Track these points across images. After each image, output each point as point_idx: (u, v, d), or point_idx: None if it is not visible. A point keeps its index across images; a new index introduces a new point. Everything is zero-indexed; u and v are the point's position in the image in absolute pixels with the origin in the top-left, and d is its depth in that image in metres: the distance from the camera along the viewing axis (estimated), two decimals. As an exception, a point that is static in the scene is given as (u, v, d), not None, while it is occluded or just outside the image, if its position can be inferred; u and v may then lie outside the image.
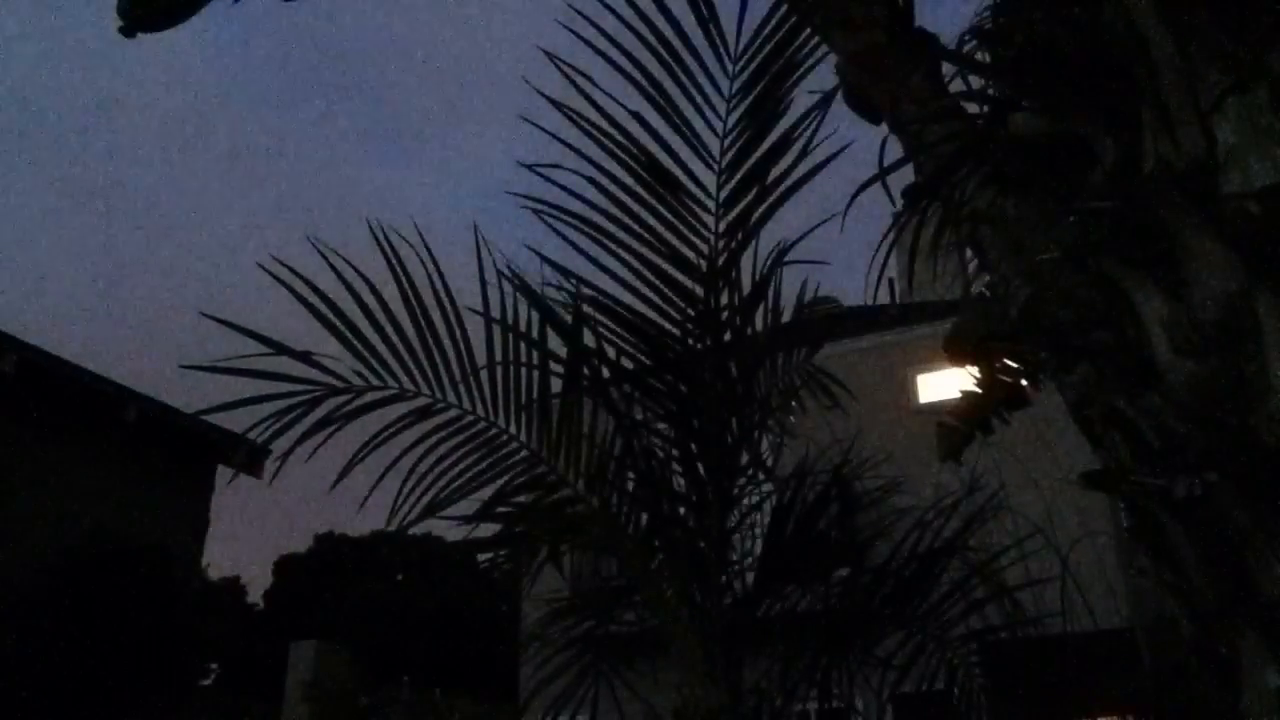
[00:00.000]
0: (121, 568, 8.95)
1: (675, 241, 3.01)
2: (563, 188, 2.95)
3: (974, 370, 2.62)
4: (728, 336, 3.12)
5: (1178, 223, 1.44)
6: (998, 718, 3.47)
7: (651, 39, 2.79)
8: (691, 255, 3.02)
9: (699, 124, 2.91)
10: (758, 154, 2.92)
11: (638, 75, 2.85)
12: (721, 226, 3.00)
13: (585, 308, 3.10)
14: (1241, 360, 1.36)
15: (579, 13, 2.72)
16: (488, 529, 3.37)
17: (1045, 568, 3.06)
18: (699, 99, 2.88)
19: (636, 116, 2.88)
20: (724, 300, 3.07)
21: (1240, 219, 1.39)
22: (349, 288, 2.99)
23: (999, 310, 2.14)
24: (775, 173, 2.93)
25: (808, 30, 2.75)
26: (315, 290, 2.98)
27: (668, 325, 3.08)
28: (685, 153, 2.94)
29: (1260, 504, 1.30)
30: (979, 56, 2.18)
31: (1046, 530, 3.01)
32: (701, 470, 3.08)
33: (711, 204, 2.98)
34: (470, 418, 3.21)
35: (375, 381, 3.07)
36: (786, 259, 3.10)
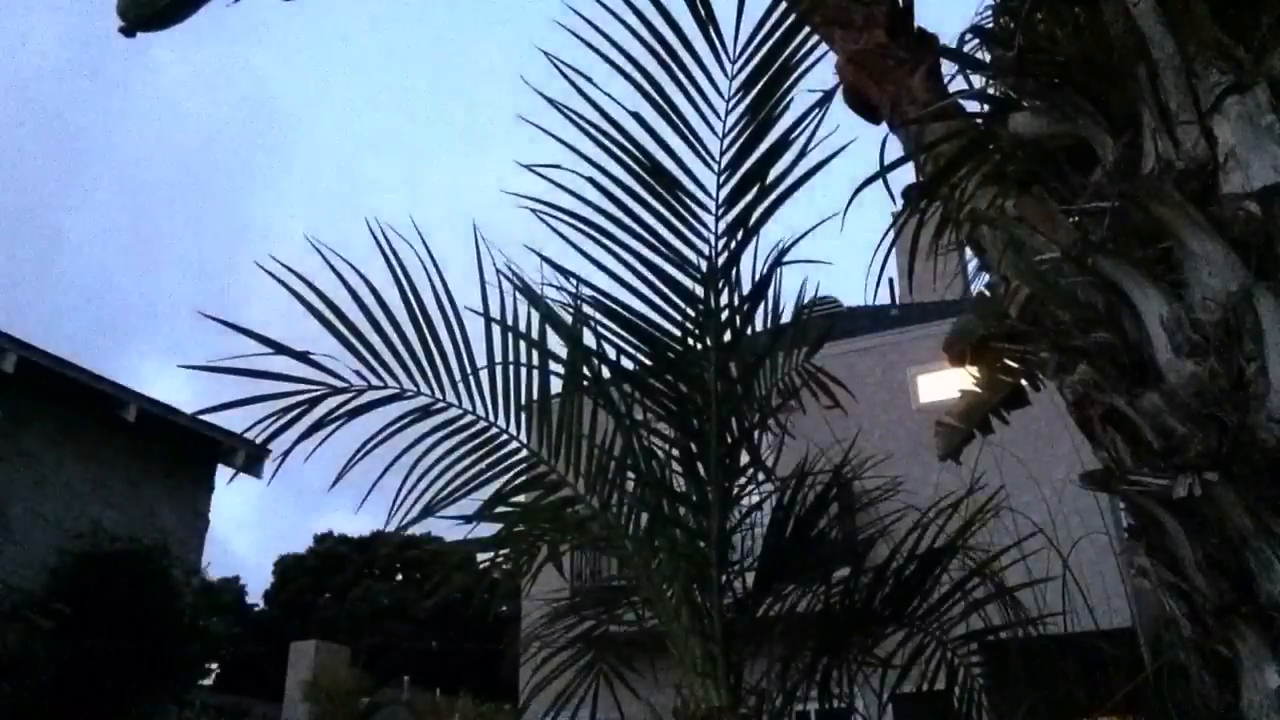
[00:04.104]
0: (121, 568, 8.95)
1: (675, 241, 3.01)
2: (563, 188, 2.95)
3: (974, 370, 2.62)
4: (728, 336, 3.12)
5: (1178, 223, 1.44)
6: (998, 718, 3.47)
7: (650, 39, 2.78)
8: (691, 255, 3.02)
9: (698, 124, 2.91)
10: (757, 154, 2.91)
11: (637, 75, 2.84)
12: (721, 226, 2.99)
13: (585, 308, 3.09)
14: (1241, 360, 1.36)
15: (578, 13, 2.72)
16: (488, 529, 3.37)
17: (1046, 567, 3.06)
18: (698, 99, 2.88)
19: (636, 116, 2.88)
20: (724, 300, 3.06)
21: (1240, 219, 1.39)
22: (348, 287, 3.00)
23: (999, 310, 2.14)
24: (775, 173, 2.93)
25: (807, 30, 2.75)
26: (314, 290, 2.98)
27: (668, 325, 3.08)
28: (685, 153, 2.94)
29: (1260, 504, 1.30)
30: (979, 55, 2.18)
31: (1047, 530, 3.01)
32: (701, 470, 3.08)
33: (711, 204, 2.97)
34: (470, 418, 3.22)
35: (375, 381, 3.08)
36: (786, 259, 3.10)
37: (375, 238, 3.01)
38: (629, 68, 2.83)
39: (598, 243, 3.00)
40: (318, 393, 2.99)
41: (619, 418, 3.16)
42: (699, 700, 2.89)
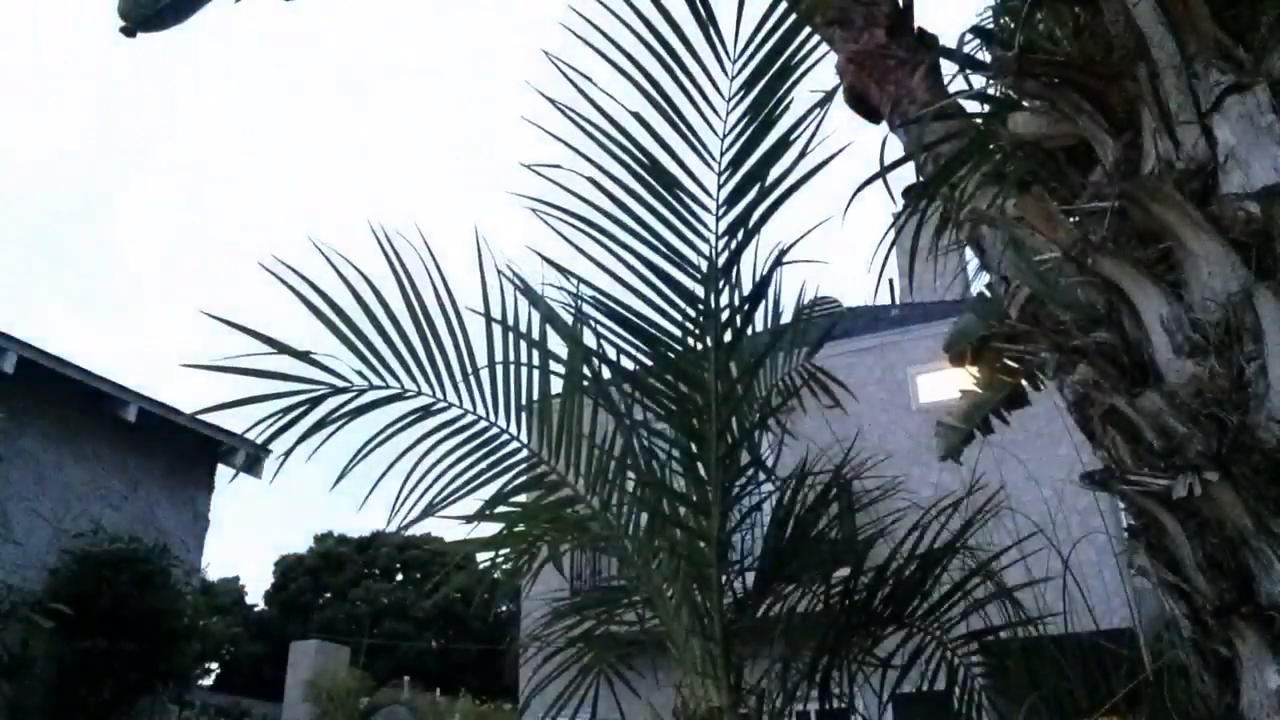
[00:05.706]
0: (121, 568, 8.95)
1: (675, 241, 3.01)
2: (563, 188, 2.95)
3: (974, 370, 2.63)
4: (728, 336, 3.12)
5: (1178, 223, 1.44)
6: (998, 718, 3.47)
7: (651, 39, 2.79)
8: (692, 255, 3.02)
9: (699, 124, 2.91)
10: (758, 154, 2.91)
11: (637, 75, 2.84)
12: (721, 226, 2.99)
13: (585, 307, 3.10)
14: (1241, 360, 1.36)
15: (578, 13, 2.72)
16: (488, 529, 3.37)
17: (1046, 567, 3.06)
18: (699, 99, 2.88)
19: (636, 116, 2.88)
20: (724, 300, 3.07)
21: (1240, 219, 1.39)
22: (350, 287, 3.00)
23: (999, 310, 2.14)
24: (775, 172, 2.93)
25: (807, 30, 2.75)
26: (316, 290, 2.98)
27: (668, 325, 3.08)
28: (685, 152, 2.94)
29: (1260, 504, 1.30)
30: (979, 55, 2.18)
31: (1047, 530, 3.01)
32: (701, 470, 3.08)
33: (711, 204, 2.97)
34: (470, 418, 3.22)
35: (375, 381, 3.08)
36: (786, 259, 3.10)
37: (376, 237, 3.01)
38: (629, 67, 2.83)
39: (598, 242, 3.00)
40: (318, 392, 2.99)
41: (619, 418, 3.16)
42: (699, 700, 2.89)
